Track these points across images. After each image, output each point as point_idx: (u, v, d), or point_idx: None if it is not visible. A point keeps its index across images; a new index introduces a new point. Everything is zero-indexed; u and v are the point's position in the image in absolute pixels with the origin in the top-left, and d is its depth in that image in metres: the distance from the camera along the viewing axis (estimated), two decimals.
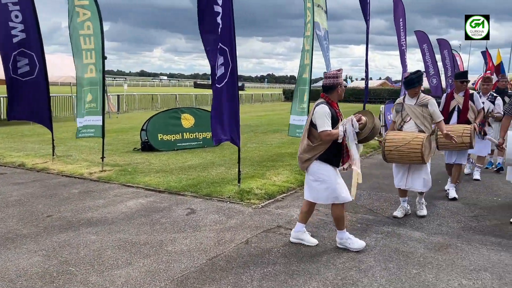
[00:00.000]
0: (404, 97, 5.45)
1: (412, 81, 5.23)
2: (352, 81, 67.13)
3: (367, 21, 10.89)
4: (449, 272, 3.84)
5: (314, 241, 4.48)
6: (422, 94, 5.32)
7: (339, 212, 4.28)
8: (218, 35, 6.04)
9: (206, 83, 73.08)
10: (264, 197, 6.14)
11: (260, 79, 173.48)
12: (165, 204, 5.84)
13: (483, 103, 6.88)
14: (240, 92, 41.45)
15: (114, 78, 78.82)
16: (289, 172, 7.69)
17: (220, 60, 6.15)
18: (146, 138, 10.01)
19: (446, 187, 6.66)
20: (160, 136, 10.09)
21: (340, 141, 4.07)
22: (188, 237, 4.63)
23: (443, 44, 18.87)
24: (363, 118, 4.15)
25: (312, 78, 8.50)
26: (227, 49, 6.11)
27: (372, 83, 50.91)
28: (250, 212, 5.54)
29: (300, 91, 8.21)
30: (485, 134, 7.29)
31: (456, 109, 6.39)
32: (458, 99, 6.39)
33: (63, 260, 4.00)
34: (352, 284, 3.62)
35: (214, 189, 6.46)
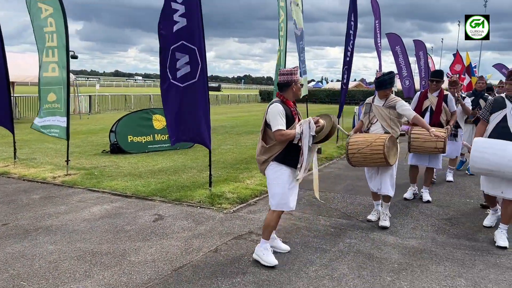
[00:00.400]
0: (374, 98, 5.25)
1: (384, 82, 5.03)
2: (327, 82, 67.74)
3: (353, 23, 10.73)
4: (423, 279, 3.73)
5: (285, 248, 4.30)
6: (391, 96, 5.11)
7: (273, 220, 3.99)
8: (180, 33, 5.79)
9: None
10: (236, 201, 5.94)
11: (237, 80, 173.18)
12: (131, 210, 5.56)
13: None
14: (216, 93, 41.18)
15: (88, 78, 77.17)
16: (263, 174, 7.49)
17: (185, 59, 5.91)
18: (115, 140, 9.66)
19: (405, 196, 6.32)
20: (130, 137, 9.75)
21: (296, 142, 3.81)
22: (153, 245, 4.38)
23: (419, 45, 19.10)
24: (321, 121, 3.90)
25: None
26: (195, 48, 5.88)
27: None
28: (221, 217, 5.33)
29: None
30: (455, 136, 7.18)
31: (428, 109, 6.20)
32: (432, 99, 6.20)
33: (15, 274, 3.70)
34: None
35: (184, 193, 6.21)
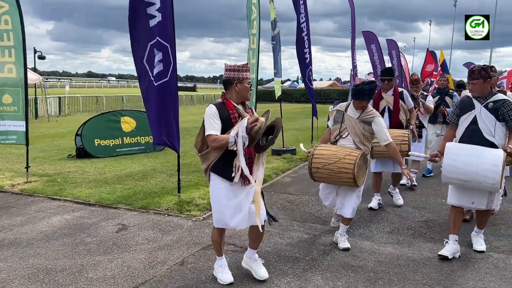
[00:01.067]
0: (348, 106, 4.48)
1: (362, 92, 4.26)
2: (303, 82, 68.03)
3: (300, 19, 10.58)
4: None
5: (262, 275, 3.63)
6: (369, 108, 4.40)
7: (215, 236, 3.59)
8: (154, 28, 5.47)
9: None
10: (206, 207, 5.65)
11: (213, 79, 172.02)
12: (93, 219, 5.21)
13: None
14: (191, 93, 40.73)
15: (59, 79, 75.17)
16: None
17: (159, 56, 5.60)
18: (81, 144, 9.21)
19: (371, 205, 5.77)
20: (97, 141, 9.32)
21: (232, 148, 3.22)
22: (114, 259, 4.06)
23: (392, 44, 19.19)
24: (261, 119, 3.23)
25: (263, 79, 8.09)
26: (167, 45, 5.58)
27: (322, 84, 51.75)
28: (190, 225, 5.03)
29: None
30: (420, 137, 6.77)
31: (386, 109, 5.76)
32: (388, 98, 5.76)
33: None
34: None
35: (151, 200, 5.89)
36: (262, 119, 3.22)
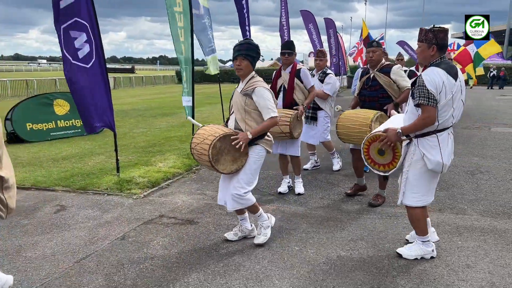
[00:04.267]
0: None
1: (237, 50, 3.69)
2: None
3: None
4: (329, 246, 3.89)
5: None
6: (256, 79, 3.75)
7: None
8: (71, 10, 5.34)
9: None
10: (147, 185, 5.73)
11: (152, 61, 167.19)
12: (29, 202, 5.12)
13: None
14: (130, 75, 39.35)
15: None
16: (176, 156, 7.33)
17: (83, 37, 5.49)
18: (12, 128, 8.81)
19: (279, 190, 5.47)
20: (29, 125, 8.96)
21: None
22: (53, 238, 4.07)
23: (329, 23, 19.69)
24: None
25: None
26: (87, 24, 5.47)
27: (264, 64, 52.08)
28: (130, 203, 5.11)
29: (183, 70, 7.67)
30: (313, 119, 6.34)
31: (282, 88, 5.29)
32: (285, 76, 5.27)
33: None
34: (235, 269, 3.46)
35: (90, 181, 5.85)
36: None
